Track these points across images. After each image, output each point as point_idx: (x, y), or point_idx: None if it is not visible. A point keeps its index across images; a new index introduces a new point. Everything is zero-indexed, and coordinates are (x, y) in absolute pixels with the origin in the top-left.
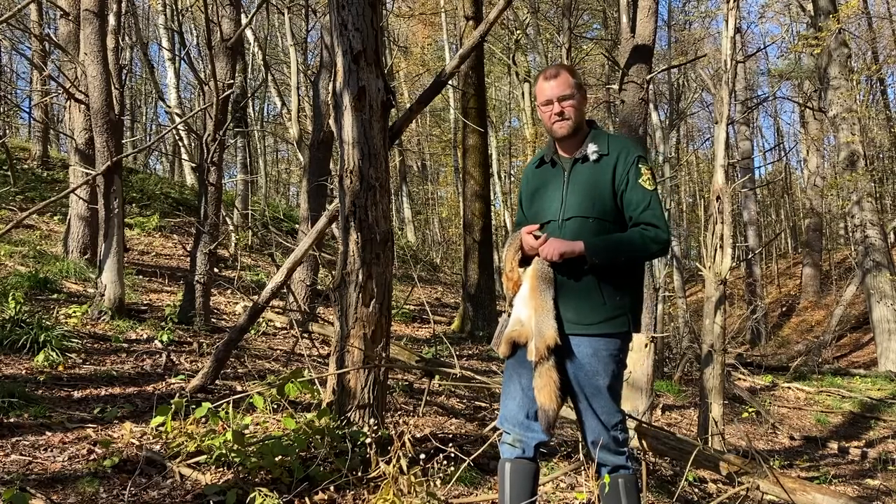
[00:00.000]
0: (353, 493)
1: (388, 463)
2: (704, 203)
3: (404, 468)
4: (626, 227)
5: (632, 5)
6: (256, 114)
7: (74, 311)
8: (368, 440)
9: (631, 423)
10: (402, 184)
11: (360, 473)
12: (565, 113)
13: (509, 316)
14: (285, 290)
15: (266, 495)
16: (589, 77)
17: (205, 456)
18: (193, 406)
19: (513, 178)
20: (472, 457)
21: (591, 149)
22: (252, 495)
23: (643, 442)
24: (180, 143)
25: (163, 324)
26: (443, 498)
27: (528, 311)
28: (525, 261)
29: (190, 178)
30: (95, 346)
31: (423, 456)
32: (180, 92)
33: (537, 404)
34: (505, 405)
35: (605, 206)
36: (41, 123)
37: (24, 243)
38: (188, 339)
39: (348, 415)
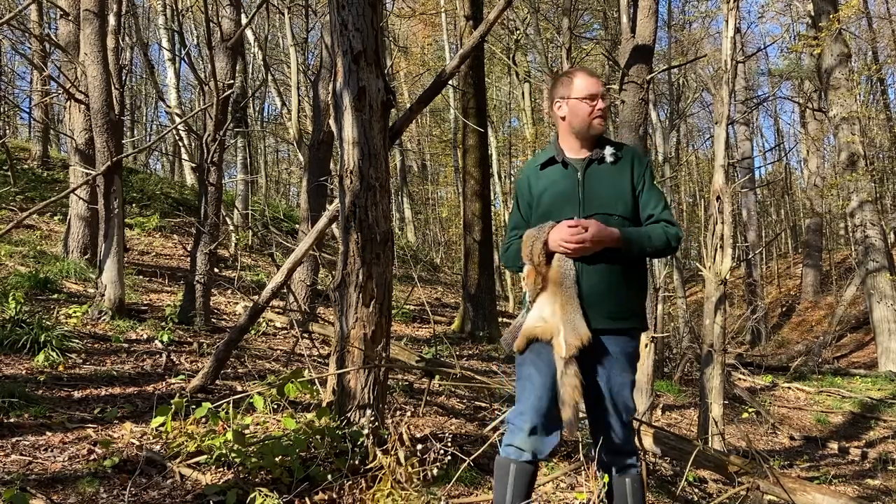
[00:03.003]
0: (350, 483)
1: (385, 454)
2: (704, 203)
3: (401, 459)
4: (641, 225)
5: (632, 5)
6: (256, 114)
7: (74, 312)
8: (366, 431)
9: None
10: (402, 184)
11: (357, 463)
12: (604, 112)
13: (528, 312)
14: (285, 290)
15: (266, 495)
16: None
17: (205, 456)
18: (193, 406)
19: (513, 178)
20: (473, 457)
21: (609, 150)
22: (252, 495)
23: (643, 442)
24: (180, 143)
25: (163, 324)
26: (442, 498)
27: (551, 308)
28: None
29: (190, 178)
30: (95, 346)
31: (419, 446)
32: (180, 92)
33: (562, 401)
34: (519, 411)
35: (626, 205)
36: (41, 123)
37: (24, 243)
38: (188, 339)
39: (348, 415)
